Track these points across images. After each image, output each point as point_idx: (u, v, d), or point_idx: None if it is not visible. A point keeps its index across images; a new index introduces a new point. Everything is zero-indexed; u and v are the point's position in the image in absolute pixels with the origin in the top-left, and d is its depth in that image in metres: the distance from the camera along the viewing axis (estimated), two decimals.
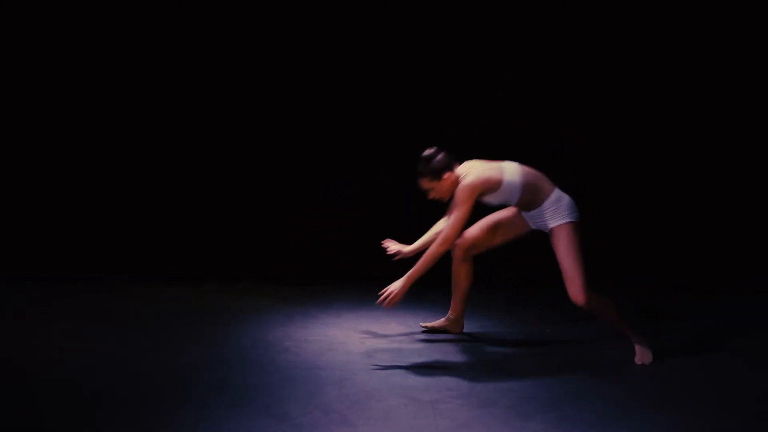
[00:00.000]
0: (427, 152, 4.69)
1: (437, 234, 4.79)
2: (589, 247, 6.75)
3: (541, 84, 7.40)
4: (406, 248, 5.03)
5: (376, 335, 5.20)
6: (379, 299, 4.64)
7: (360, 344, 4.98)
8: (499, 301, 6.22)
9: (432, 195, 4.76)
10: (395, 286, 4.62)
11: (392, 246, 5.08)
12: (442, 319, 5.26)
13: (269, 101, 7.54)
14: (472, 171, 4.69)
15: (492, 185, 4.67)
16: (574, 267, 4.58)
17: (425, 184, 4.71)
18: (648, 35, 7.28)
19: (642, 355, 4.67)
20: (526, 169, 4.76)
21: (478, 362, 4.70)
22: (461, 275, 5.10)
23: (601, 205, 7.19)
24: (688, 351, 4.93)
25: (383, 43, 7.40)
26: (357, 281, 6.62)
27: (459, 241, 4.96)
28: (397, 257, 5.05)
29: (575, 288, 4.56)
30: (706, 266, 7.14)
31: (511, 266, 6.84)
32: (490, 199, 4.76)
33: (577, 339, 5.18)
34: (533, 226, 4.88)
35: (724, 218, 7.41)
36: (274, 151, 7.57)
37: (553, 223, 4.67)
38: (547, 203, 4.70)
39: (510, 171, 4.72)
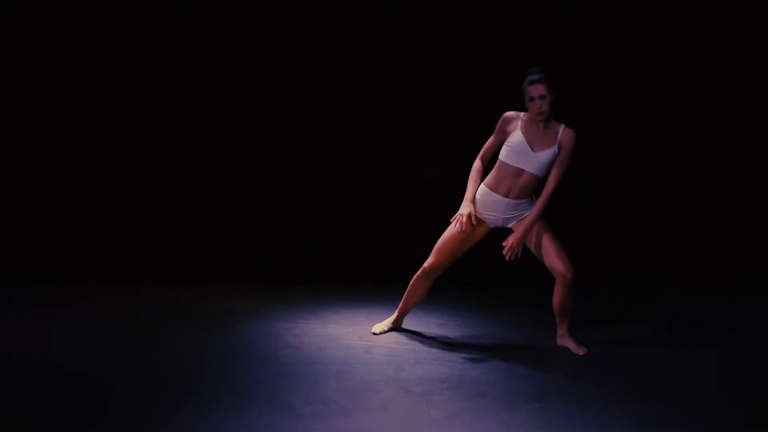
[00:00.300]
0: (538, 69, 4.62)
1: (480, 173, 4.78)
2: (589, 247, 6.80)
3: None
4: (516, 235, 4.73)
5: (372, 332, 5.23)
6: (505, 252, 4.62)
7: (358, 340, 5.01)
8: (487, 300, 6.23)
9: (542, 106, 4.58)
10: (515, 238, 4.63)
11: (509, 249, 4.75)
12: (391, 320, 5.27)
13: (269, 101, 7.44)
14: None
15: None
16: (560, 243, 4.74)
17: (544, 90, 4.57)
18: (648, 35, 7.20)
19: (577, 347, 4.86)
20: None
21: (468, 357, 4.73)
22: (420, 292, 5.07)
23: (600, 205, 7.28)
24: (677, 348, 4.96)
25: (382, 43, 7.29)
26: (356, 281, 6.64)
27: (428, 267, 4.93)
28: (512, 253, 4.73)
29: (568, 262, 4.71)
30: (704, 266, 7.10)
31: (499, 266, 6.68)
32: (532, 165, 4.71)
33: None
34: (497, 222, 4.85)
35: (724, 218, 7.36)
36: (275, 151, 7.48)
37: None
38: (532, 200, 4.84)
39: None
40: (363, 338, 5.09)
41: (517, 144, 4.67)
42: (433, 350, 4.90)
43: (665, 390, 4.19)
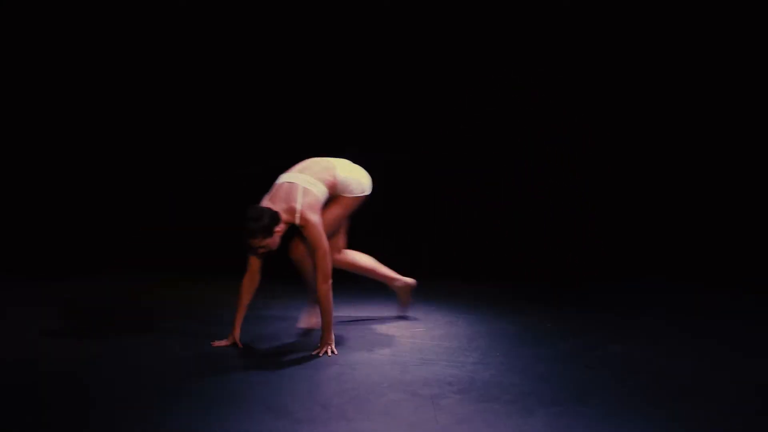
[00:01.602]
0: (254, 212, 4.71)
1: (251, 289, 4.98)
2: (589, 247, 7.06)
3: (541, 84, 7.42)
4: (236, 334, 4.96)
5: (375, 330, 5.28)
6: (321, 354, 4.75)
7: (360, 339, 5.04)
8: (498, 295, 6.27)
9: (262, 250, 4.76)
10: (327, 341, 4.79)
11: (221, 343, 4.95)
12: (308, 319, 5.38)
13: (266, 100, 7.59)
14: (306, 202, 4.85)
15: (326, 198, 5.01)
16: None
17: (257, 242, 4.71)
18: (647, 35, 7.32)
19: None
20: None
21: (479, 357, 4.73)
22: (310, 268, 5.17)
23: (601, 205, 7.43)
24: (689, 349, 4.96)
25: (357, 48, 7.47)
26: (356, 277, 6.49)
27: (295, 252, 5.17)
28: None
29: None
30: (706, 265, 7.17)
31: (510, 261, 6.98)
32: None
33: (578, 333, 5.26)
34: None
35: (724, 218, 7.46)
36: (269, 147, 7.53)
37: None
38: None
39: (341, 166, 5.11)
40: (365, 337, 5.11)
41: None
42: (441, 350, 4.90)
43: (690, 392, 4.19)
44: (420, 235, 7.41)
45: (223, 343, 4.93)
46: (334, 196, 5.04)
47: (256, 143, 7.52)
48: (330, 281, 4.78)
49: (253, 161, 7.24)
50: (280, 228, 4.75)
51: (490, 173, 7.49)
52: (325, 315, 4.78)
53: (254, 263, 4.94)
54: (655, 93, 7.43)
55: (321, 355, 4.73)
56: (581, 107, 7.40)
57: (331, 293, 4.77)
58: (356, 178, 5.11)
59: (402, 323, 5.48)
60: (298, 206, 4.78)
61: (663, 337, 5.23)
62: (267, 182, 5.01)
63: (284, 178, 4.93)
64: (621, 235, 7.49)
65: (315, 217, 4.79)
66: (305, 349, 4.84)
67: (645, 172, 7.51)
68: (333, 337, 4.81)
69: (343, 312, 5.64)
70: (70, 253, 7.19)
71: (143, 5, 7.37)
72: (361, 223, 7.17)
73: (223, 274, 6.47)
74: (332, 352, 4.76)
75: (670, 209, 7.49)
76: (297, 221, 4.78)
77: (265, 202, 4.83)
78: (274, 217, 4.70)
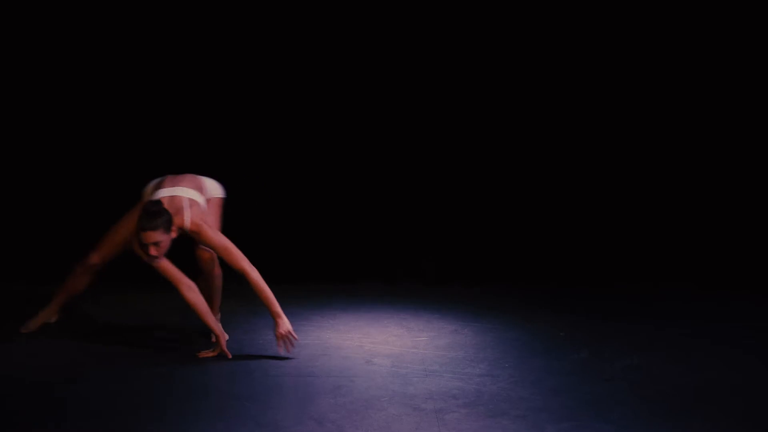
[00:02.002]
0: (156, 206, 4.74)
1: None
2: (589, 248, 7.24)
3: (541, 84, 7.51)
4: (221, 343, 4.93)
5: (375, 339, 5.22)
6: (283, 347, 4.79)
7: (358, 348, 5.01)
8: (507, 301, 6.27)
9: (155, 251, 4.73)
10: (284, 328, 4.79)
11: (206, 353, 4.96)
12: (45, 314, 5.38)
13: (262, 104, 7.64)
14: (194, 211, 4.91)
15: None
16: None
17: (157, 237, 4.70)
18: (647, 35, 7.43)
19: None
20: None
21: (486, 368, 4.70)
22: (82, 285, 5.29)
23: (600, 205, 7.45)
24: (715, 361, 4.92)
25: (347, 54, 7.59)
26: (354, 280, 6.66)
27: (97, 260, 5.20)
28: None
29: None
30: (711, 270, 7.17)
31: (518, 266, 7.02)
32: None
33: (593, 342, 5.22)
34: None
35: (724, 219, 7.52)
36: (265, 148, 7.64)
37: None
38: None
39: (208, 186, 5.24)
40: (363, 346, 5.06)
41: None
42: (446, 361, 4.86)
43: (715, 407, 4.17)
44: (422, 237, 7.46)
45: (209, 353, 4.88)
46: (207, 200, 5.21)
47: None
48: (252, 265, 4.85)
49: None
50: (174, 230, 4.80)
51: (497, 170, 7.56)
52: (269, 300, 4.82)
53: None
54: (655, 93, 7.57)
55: (288, 349, 4.78)
56: (581, 107, 7.53)
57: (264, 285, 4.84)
58: (211, 181, 5.30)
59: (403, 331, 5.44)
60: (187, 216, 4.87)
61: (686, 347, 5.18)
62: None
63: (164, 193, 4.99)
64: (639, 237, 7.48)
65: (205, 223, 4.92)
66: (297, 360, 4.79)
67: (644, 173, 7.60)
68: (286, 319, 4.84)
69: (339, 319, 5.66)
70: (45, 259, 7.12)
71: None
72: (362, 224, 7.36)
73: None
74: (293, 337, 4.80)
75: (695, 210, 7.54)
76: (188, 226, 4.85)
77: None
78: (170, 216, 4.78)
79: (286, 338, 4.77)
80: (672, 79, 7.54)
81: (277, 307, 4.80)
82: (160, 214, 4.69)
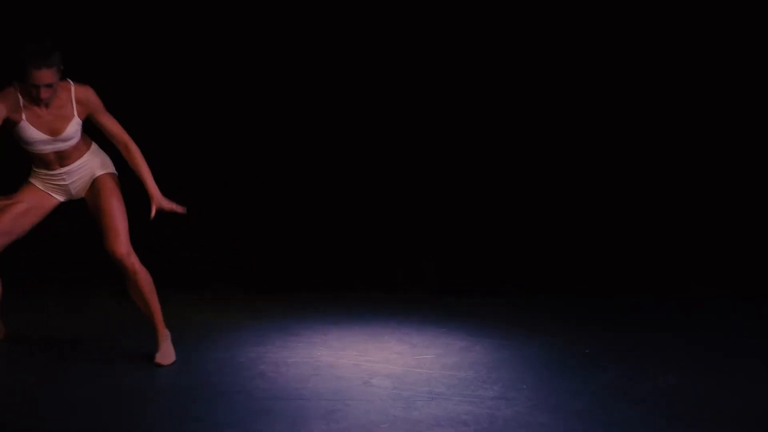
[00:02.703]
0: (43, 42, 4.59)
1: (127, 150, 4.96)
2: (588, 249, 7.35)
3: (540, 84, 7.65)
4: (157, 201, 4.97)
5: (373, 356, 5.12)
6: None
7: (354, 368, 4.92)
8: (523, 313, 6.16)
9: (46, 94, 4.57)
10: (164, 202, 4.82)
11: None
12: None
13: (255, 105, 7.74)
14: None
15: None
16: (123, 219, 4.92)
17: (50, 77, 4.53)
18: (646, 35, 7.57)
19: (164, 355, 4.86)
20: None
21: (500, 390, 4.60)
22: None
23: (600, 205, 7.51)
24: (747, 383, 4.80)
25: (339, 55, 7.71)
26: (349, 290, 6.58)
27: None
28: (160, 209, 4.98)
29: (121, 240, 4.86)
30: (714, 273, 7.09)
31: (536, 273, 6.96)
32: (65, 144, 4.91)
33: (622, 360, 5.08)
34: (63, 193, 5.02)
35: (725, 220, 7.58)
36: (255, 150, 7.73)
37: (101, 172, 4.95)
38: (91, 150, 4.98)
39: None
40: (361, 366, 4.95)
41: (35, 141, 4.79)
42: (455, 382, 4.74)
43: (704, 413, 4.26)
44: (422, 237, 7.53)
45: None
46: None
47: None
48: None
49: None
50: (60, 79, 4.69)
51: (516, 169, 7.65)
52: (147, 174, 4.85)
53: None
54: (655, 94, 7.68)
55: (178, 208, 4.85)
56: (580, 107, 7.64)
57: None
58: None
59: (406, 348, 5.32)
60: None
61: (728, 366, 5.03)
62: None
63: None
64: (673, 238, 7.47)
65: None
66: (285, 381, 4.70)
67: (644, 173, 7.68)
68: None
69: (332, 334, 5.53)
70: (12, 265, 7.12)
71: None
72: (362, 227, 7.48)
73: (191, 286, 6.56)
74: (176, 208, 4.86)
75: (670, 211, 7.58)
76: (75, 90, 4.74)
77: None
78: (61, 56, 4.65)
79: (168, 209, 4.80)
80: (689, 81, 7.64)
81: (153, 184, 4.83)
82: (53, 49, 4.52)
